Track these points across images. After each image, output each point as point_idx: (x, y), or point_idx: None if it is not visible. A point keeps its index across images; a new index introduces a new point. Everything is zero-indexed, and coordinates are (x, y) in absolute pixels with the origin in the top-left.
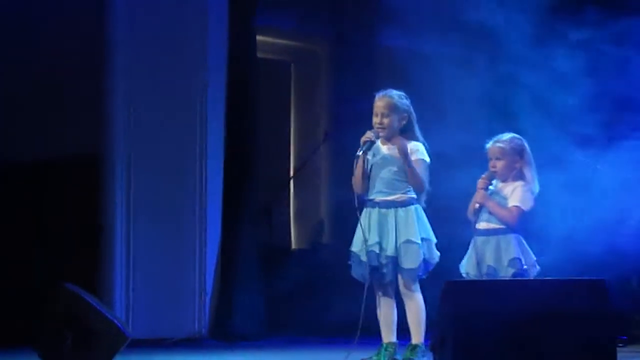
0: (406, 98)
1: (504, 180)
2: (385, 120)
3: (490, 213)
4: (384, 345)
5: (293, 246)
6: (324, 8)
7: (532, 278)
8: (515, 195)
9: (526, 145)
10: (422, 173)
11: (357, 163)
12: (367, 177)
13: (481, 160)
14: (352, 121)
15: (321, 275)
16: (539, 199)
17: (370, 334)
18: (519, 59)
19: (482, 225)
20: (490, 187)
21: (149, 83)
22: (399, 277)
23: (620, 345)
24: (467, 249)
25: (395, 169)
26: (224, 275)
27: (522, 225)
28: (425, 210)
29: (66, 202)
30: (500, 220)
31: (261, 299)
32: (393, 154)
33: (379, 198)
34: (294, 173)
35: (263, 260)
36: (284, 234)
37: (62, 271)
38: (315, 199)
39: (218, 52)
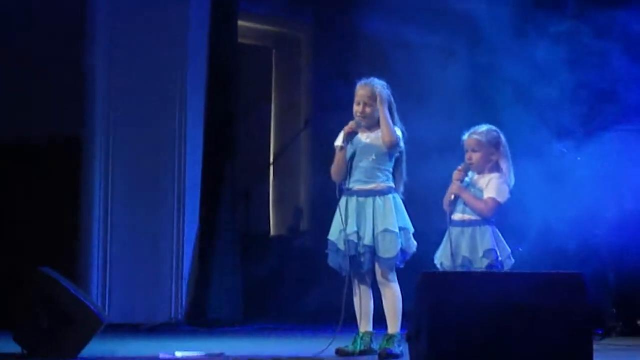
0: (387, 87)
1: (480, 172)
2: (368, 110)
3: (465, 204)
4: (360, 334)
5: (272, 232)
6: None
7: (506, 270)
8: (491, 186)
9: (502, 137)
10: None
11: (337, 152)
12: (347, 166)
13: (460, 151)
14: (333, 107)
15: (299, 262)
16: (516, 190)
17: (347, 323)
18: (499, 49)
19: (457, 216)
20: (466, 179)
21: (129, 67)
22: (377, 266)
23: (597, 338)
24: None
25: (373, 157)
26: (201, 261)
27: (496, 217)
28: (402, 200)
29: (44, 186)
30: (475, 211)
31: (239, 284)
32: (372, 143)
33: (357, 187)
34: (274, 159)
35: (241, 246)
36: (263, 220)
37: (38, 254)
38: (295, 185)
39: (199, 38)
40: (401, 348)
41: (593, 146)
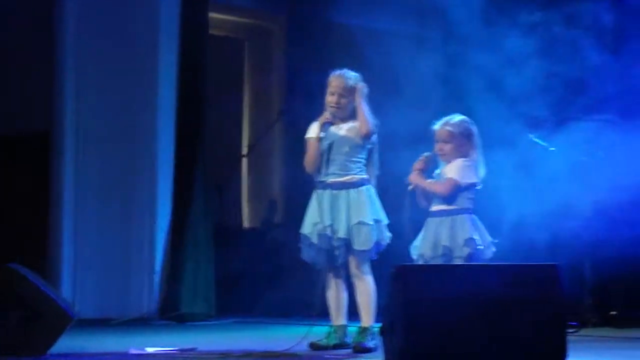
0: (361, 80)
1: (449, 162)
2: (343, 101)
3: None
4: (334, 327)
5: (245, 225)
6: None
7: (487, 259)
8: (452, 168)
9: (474, 128)
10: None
11: (311, 143)
12: (320, 157)
13: (431, 142)
14: (306, 99)
15: (273, 255)
16: (490, 181)
17: (321, 317)
18: (471, 39)
19: (436, 207)
20: (437, 171)
21: (99, 59)
22: (351, 259)
23: (571, 331)
24: (417, 230)
25: (347, 149)
26: (173, 255)
27: (474, 205)
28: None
29: (13, 181)
30: (436, 194)
31: (211, 278)
32: (346, 135)
33: (330, 180)
34: (247, 151)
35: (214, 239)
36: (237, 213)
37: (9, 248)
38: (269, 177)
39: (170, 30)
40: (375, 342)
41: (564, 136)
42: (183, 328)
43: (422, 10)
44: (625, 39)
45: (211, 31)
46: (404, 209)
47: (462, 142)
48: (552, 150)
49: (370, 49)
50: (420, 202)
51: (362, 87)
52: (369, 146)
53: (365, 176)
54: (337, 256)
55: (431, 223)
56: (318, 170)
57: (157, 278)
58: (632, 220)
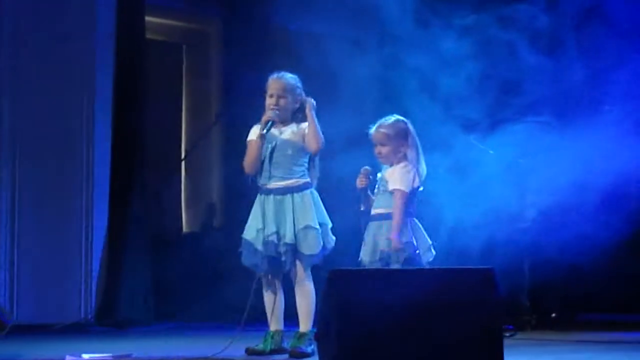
0: (299, 82)
1: (390, 165)
2: (282, 102)
3: (379, 197)
4: (270, 332)
5: (184, 230)
6: None
7: (427, 262)
8: (395, 177)
9: (411, 127)
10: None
11: (252, 144)
12: (261, 158)
13: (369, 145)
14: (244, 102)
15: (213, 260)
16: (426, 183)
17: (258, 321)
18: (407, 41)
19: (375, 210)
20: (378, 174)
21: (35, 66)
22: (297, 263)
23: (507, 335)
24: (358, 234)
25: (290, 152)
26: (110, 260)
27: (413, 207)
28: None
29: None
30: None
31: (149, 284)
32: (288, 138)
33: (273, 184)
34: (185, 155)
35: (153, 244)
36: (175, 218)
37: None
38: (207, 181)
39: (106, 34)
40: (312, 347)
41: (500, 138)
42: (121, 334)
43: (358, 13)
44: (560, 40)
45: (149, 36)
46: (361, 212)
47: (399, 142)
48: (491, 152)
49: (308, 51)
50: (365, 204)
51: (312, 101)
52: None
53: (308, 180)
54: (283, 262)
55: (371, 227)
56: (259, 173)
57: (94, 283)
58: (569, 222)
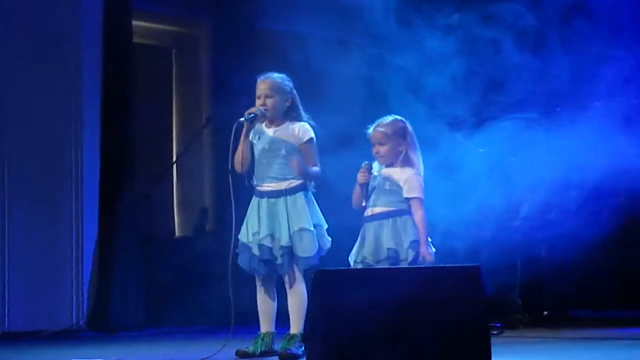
0: (288, 81)
1: (390, 165)
2: (269, 101)
3: (380, 196)
4: (261, 335)
5: (177, 234)
6: None
7: (432, 257)
8: (412, 186)
9: (409, 126)
10: (314, 154)
11: (239, 137)
12: (250, 155)
13: (360, 144)
14: (235, 105)
15: (205, 263)
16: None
17: (250, 323)
18: (393, 41)
19: (376, 209)
20: (374, 173)
21: (22, 73)
22: (293, 266)
23: (495, 332)
24: (351, 234)
25: (283, 153)
26: (101, 265)
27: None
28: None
29: None
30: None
31: (141, 288)
32: (281, 138)
33: (267, 186)
34: (176, 159)
35: (144, 248)
36: (168, 222)
37: None
38: (199, 184)
39: (93, 38)
40: (303, 348)
41: (488, 135)
42: (112, 339)
43: (344, 14)
44: (546, 37)
45: (138, 40)
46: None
47: (397, 142)
48: (481, 150)
49: (297, 53)
50: (359, 202)
51: (279, 85)
52: None
53: (301, 181)
54: (281, 265)
55: (370, 227)
56: (253, 173)
57: (85, 289)
58: (560, 219)
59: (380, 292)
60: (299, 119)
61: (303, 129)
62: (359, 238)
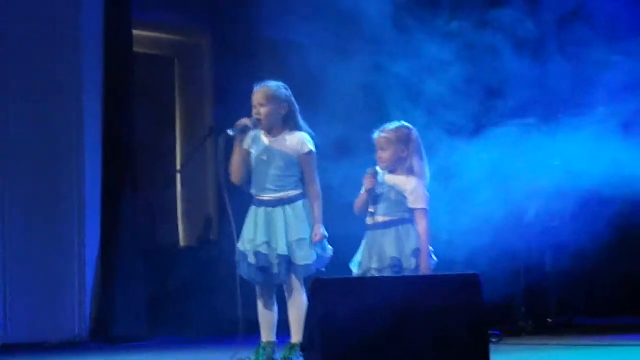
0: (286, 89)
1: (393, 171)
2: (263, 110)
3: (384, 204)
4: (262, 344)
5: (181, 243)
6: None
7: (430, 269)
8: (417, 196)
9: (414, 133)
10: (313, 167)
11: (236, 150)
12: (245, 166)
13: (358, 151)
14: (237, 113)
15: (210, 273)
16: None
17: (251, 333)
18: (393, 48)
19: (379, 218)
20: (380, 180)
21: (23, 82)
22: (292, 275)
23: (494, 340)
24: (352, 242)
25: (282, 164)
26: (104, 276)
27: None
28: None
29: None
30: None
31: (144, 298)
32: (278, 148)
33: (265, 196)
34: (181, 168)
35: (148, 258)
36: (172, 231)
37: None
38: (203, 194)
39: (93, 48)
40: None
41: (485, 141)
42: (115, 350)
43: (345, 22)
44: (545, 44)
45: (141, 50)
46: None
47: (400, 148)
48: (484, 157)
49: (299, 62)
50: (363, 208)
51: (273, 93)
52: None
53: (301, 190)
54: (278, 274)
55: (372, 235)
56: (251, 183)
57: (88, 299)
58: (564, 227)
59: (378, 300)
60: (297, 128)
61: (302, 141)
62: (362, 246)
